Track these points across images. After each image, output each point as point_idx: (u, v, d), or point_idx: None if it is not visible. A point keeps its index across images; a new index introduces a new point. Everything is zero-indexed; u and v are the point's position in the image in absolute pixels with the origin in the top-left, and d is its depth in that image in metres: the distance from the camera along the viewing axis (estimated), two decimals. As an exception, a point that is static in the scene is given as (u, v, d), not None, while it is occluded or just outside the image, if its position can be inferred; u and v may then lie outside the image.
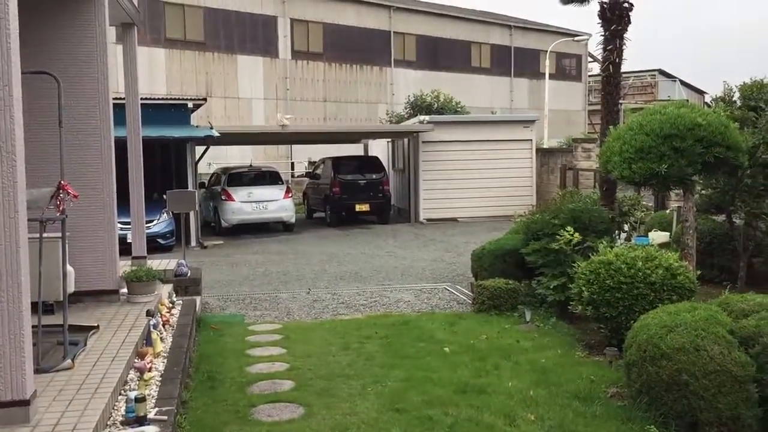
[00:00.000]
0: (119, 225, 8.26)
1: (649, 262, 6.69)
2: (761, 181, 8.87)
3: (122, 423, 4.70)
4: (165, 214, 15.37)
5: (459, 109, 26.91)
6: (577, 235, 8.21)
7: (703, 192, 9.82)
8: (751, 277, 9.26)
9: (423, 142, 20.34)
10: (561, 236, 8.28)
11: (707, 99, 37.87)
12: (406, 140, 21.40)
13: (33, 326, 4.66)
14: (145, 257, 9.08)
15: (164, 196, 12.34)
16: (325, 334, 8.07)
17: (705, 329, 4.98)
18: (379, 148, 24.36)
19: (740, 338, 4.99)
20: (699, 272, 7.62)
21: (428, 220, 20.36)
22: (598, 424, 5.13)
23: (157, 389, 5.41)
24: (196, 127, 17.13)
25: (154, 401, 5.13)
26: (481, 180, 20.54)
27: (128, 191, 9.07)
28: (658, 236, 10.28)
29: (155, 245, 14.22)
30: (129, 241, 9.38)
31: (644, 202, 11.49)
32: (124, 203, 8.72)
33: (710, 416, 4.73)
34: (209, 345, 7.61)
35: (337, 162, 20.46)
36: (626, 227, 9.94)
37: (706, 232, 9.75)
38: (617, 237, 9.22)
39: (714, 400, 4.71)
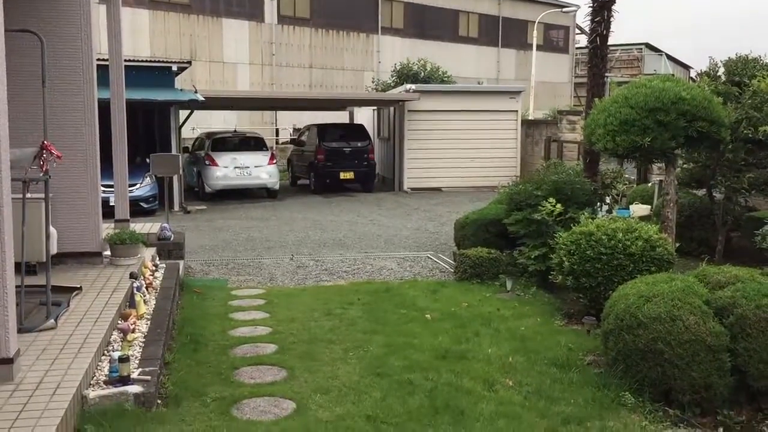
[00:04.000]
0: (102, 187, 8.22)
1: (629, 234, 6.78)
2: (742, 156, 8.97)
3: (105, 382, 4.74)
4: (148, 178, 15.29)
5: (445, 79, 26.82)
6: (559, 206, 8.29)
7: (685, 166, 9.92)
8: (728, 250, 9.42)
9: (409, 111, 20.29)
10: (543, 207, 8.36)
11: (692, 74, 37.98)
12: (391, 109, 21.33)
13: (16, 286, 4.67)
14: (128, 220, 9.06)
15: (147, 160, 12.27)
16: (308, 299, 8.12)
17: (681, 300, 5.07)
18: (365, 117, 24.27)
19: (716, 309, 5.09)
20: (678, 245, 7.74)
21: (412, 189, 20.40)
22: (574, 390, 5.24)
23: (141, 350, 5.46)
24: (180, 90, 16.96)
25: (137, 362, 5.17)
26: (466, 150, 20.57)
27: (111, 154, 9.01)
28: (639, 209, 10.40)
29: (138, 209, 14.15)
30: (112, 204, 9.33)
31: (627, 175, 11.59)
32: (107, 166, 8.66)
33: (683, 384, 4.84)
34: (192, 308, 7.65)
35: (323, 129, 20.38)
36: (608, 200, 10.03)
37: (687, 205, 9.87)
38: (599, 209, 9.31)
39: (688, 368, 4.82)
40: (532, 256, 8.50)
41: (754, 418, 4.89)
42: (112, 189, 9.32)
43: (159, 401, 4.89)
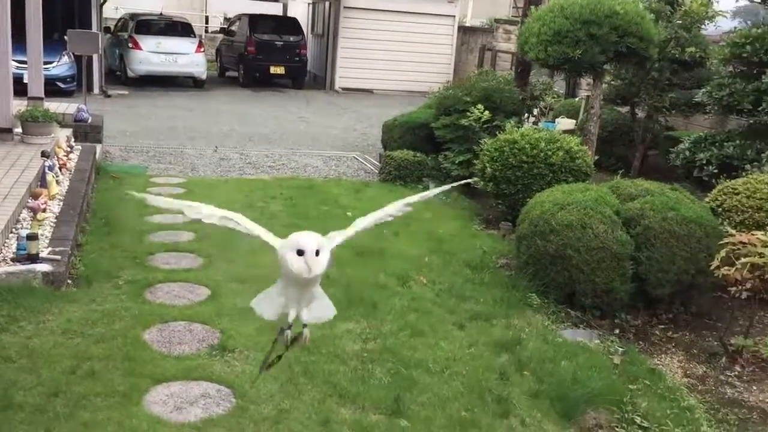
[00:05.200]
0: (14, 63, 7.77)
1: (552, 144, 6.91)
2: (667, 75, 9.15)
3: (13, 260, 4.63)
4: (66, 57, 14.49)
5: (385, -23, 26.03)
6: (487, 113, 8.33)
7: (613, 83, 10.07)
8: (645, 167, 9.73)
9: (344, 7, 19.72)
10: (471, 113, 8.38)
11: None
12: (327, 4, 20.71)
13: None
14: (42, 99, 8.63)
15: (65, 37, 11.61)
16: (230, 191, 8.04)
17: (593, 209, 5.24)
18: (299, 11, 23.49)
19: (624, 219, 5.29)
20: (597, 158, 7.94)
21: (344, 89, 20.10)
22: (484, 290, 5.43)
23: (51, 230, 5.33)
24: (103, -36, 15.94)
25: (47, 242, 5.05)
26: (401, 53, 20.24)
27: (25, 27, 8.45)
28: (564, 123, 10.54)
29: (55, 89, 13.41)
30: (25, 81, 8.84)
31: (555, 89, 11.68)
32: (20, 40, 8.15)
33: (587, 288, 5.07)
34: (108, 193, 7.45)
35: (254, 20, 19.67)
36: (535, 111, 10.13)
37: (610, 121, 10.08)
38: (526, 120, 9.40)
39: (592, 273, 5.03)
40: (456, 162, 8.59)
41: (649, 323, 5.21)
42: (26, 65, 8.81)
43: (69, 281, 4.82)
